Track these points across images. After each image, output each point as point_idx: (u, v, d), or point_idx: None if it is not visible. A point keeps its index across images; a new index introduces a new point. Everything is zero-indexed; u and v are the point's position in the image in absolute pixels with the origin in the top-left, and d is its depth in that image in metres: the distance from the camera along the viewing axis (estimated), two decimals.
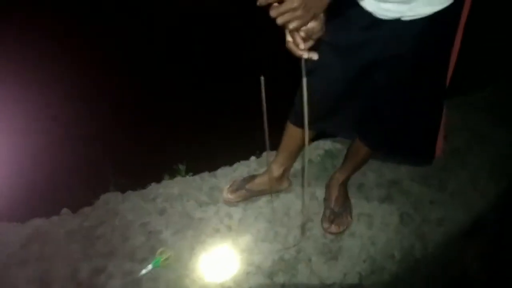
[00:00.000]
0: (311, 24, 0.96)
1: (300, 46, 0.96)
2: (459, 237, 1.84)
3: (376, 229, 1.86)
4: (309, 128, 1.70)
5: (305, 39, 0.97)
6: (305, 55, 0.96)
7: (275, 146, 1.95)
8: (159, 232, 1.85)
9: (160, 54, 3.19)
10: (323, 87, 1.46)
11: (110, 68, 3.01)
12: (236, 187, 1.93)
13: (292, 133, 1.78)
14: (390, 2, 1.13)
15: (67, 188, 2.19)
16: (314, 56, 0.97)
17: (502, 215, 1.89)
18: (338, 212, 1.85)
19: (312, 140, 2.25)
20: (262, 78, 1.13)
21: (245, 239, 1.82)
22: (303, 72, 0.98)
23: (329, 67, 1.39)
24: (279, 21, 0.89)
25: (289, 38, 0.98)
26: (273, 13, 0.88)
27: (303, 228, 1.79)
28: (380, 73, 1.34)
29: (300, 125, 1.68)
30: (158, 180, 2.16)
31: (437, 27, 1.16)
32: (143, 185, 2.13)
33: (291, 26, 0.90)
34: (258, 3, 0.89)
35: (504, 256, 1.78)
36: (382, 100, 1.43)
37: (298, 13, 0.88)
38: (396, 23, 1.17)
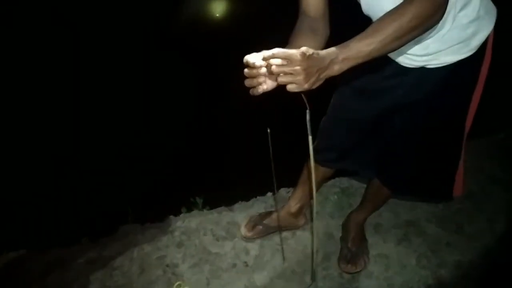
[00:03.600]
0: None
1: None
2: (476, 281, 1.82)
3: (392, 270, 1.85)
4: (328, 166, 1.77)
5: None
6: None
7: (293, 183, 1.99)
8: (176, 265, 1.87)
9: (179, 89, 3.30)
10: (344, 128, 1.54)
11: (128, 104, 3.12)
12: (253, 224, 1.95)
13: (308, 169, 1.82)
14: (416, 55, 1.20)
15: (87, 219, 2.23)
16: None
17: None
18: (355, 252, 1.86)
19: (329, 178, 2.29)
20: (268, 130, 1.17)
21: (261, 276, 1.82)
22: (309, 130, 0.99)
23: (352, 109, 1.46)
24: (280, 79, 0.90)
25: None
26: (275, 69, 0.89)
27: (313, 274, 1.79)
28: (401, 117, 1.39)
29: (318, 162, 1.73)
30: (176, 213, 2.20)
31: (459, 75, 1.23)
32: (161, 218, 2.18)
33: (290, 88, 0.91)
34: (262, 58, 0.92)
35: None
36: (401, 142, 1.46)
37: (299, 77, 0.88)
38: (421, 71, 1.24)
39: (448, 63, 1.20)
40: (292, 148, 1.86)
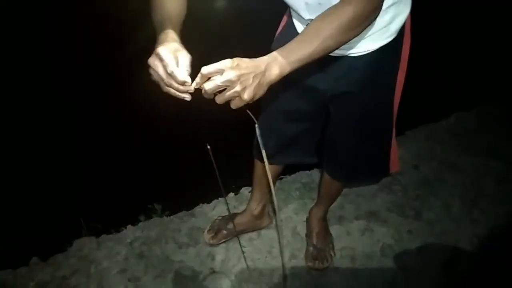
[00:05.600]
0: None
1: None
2: (438, 266, 1.88)
3: (359, 262, 1.86)
4: (271, 162, 1.73)
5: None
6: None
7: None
8: (138, 278, 1.77)
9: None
10: (279, 121, 1.52)
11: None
12: (216, 229, 1.89)
13: (260, 169, 1.80)
14: None
15: (35, 235, 2.05)
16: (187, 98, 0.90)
17: (478, 242, 1.96)
18: (321, 248, 1.85)
19: (286, 173, 2.27)
20: (208, 147, 1.08)
21: (229, 281, 1.77)
22: (261, 144, 0.94)
23: (285, 101, 1.44)
24: (218, 100, 0.85)
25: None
26: (209, 88, 0.83)
27: (284, 279, 1.77)
28: (333, 106, 1.41)
29: (262, 159, 1.70)
30: (134, 221, 2.08)
31: (383, 59, 1.24)
32: (118, 228, 2.05)
33: (233, 105, 0.86)
34: (195, 84, 0.86)
35: (480, 284, 1.83)
36: (337, 130, 1.50)
37: (237, 89, 0.82)
38: (345, 59, 1.23)
39: (370, 50, 1.21)
40: (250, 144, 1.81)
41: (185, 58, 0.91)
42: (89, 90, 3.01)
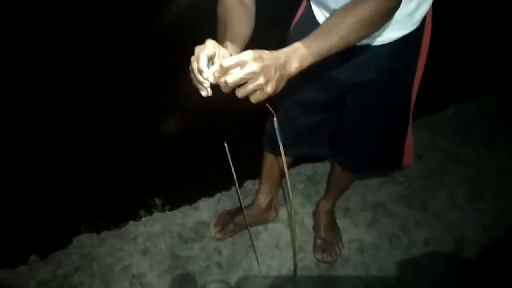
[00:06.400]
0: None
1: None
2: (445, 256, 1.87)
3: (367, 254, 1.85)
4: (285, 154, 1.69)
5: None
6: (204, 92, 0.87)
7: (258, 174, 1.90)
8: (143, 275, 1.72)
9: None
10: (295, 111, 1.48)
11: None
12: (222, 223, 1.85)
13: (269, 161, 1.76)
14: None
15: (30, 232, 1.97)
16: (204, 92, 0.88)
17: (483, 231, 1.96)
18: (329, 240, 1.83)
19: (291, 165, 2.23)
20: (226, 145, 1.07)
21: (237, 275, 1.73)
22: (279, 138, 0.93)
23: (304, 92, 1.40)
24: (239, 93, 0.81)
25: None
26: (231, 80, 0.79)
27: (295, 268, 1.74)
28: (351, 96, 1.38)
29: (274, 152, 1.67)
30: (133, 216, 2.02)
31: (404, 50, 1.22)
32: (117, 224, 1.99)
33: (254, 98, 0.81)
34: (213, 77, 0.83)
35: (487, 274, 1.84)
36: (353, 121, 1.46)
37: (260, 81, 0.79)
38: (366, 49, 1.20)
39: (393, 39, 1.18)
40: (253, 137, 1.76)
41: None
42: (85, 87, 2.92)
